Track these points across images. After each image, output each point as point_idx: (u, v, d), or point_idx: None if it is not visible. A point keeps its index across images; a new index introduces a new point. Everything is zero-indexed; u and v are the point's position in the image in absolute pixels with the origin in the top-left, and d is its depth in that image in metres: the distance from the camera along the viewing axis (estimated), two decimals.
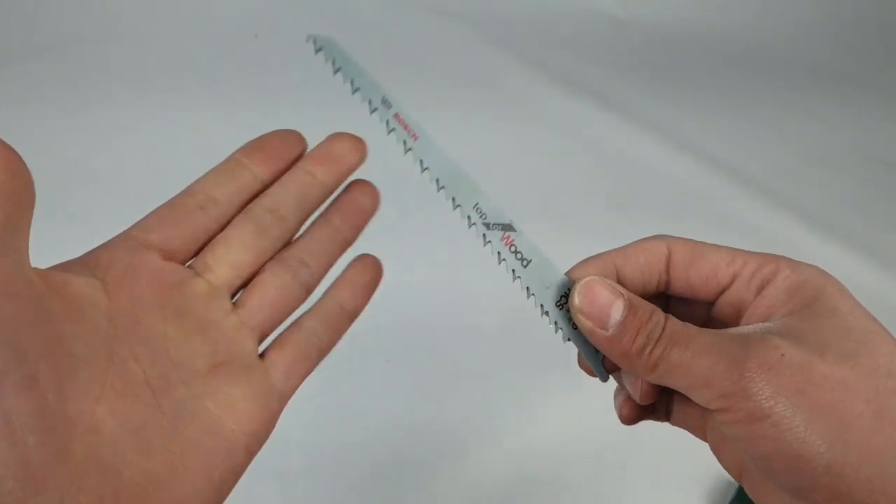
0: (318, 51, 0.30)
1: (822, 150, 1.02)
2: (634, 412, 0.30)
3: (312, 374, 0.31)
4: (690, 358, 0.25)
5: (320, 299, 0.30)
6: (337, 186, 0.31)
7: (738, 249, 0.28)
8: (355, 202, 0.31)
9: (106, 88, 0.93)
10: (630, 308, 0.26)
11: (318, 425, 0.55)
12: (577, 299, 0.27)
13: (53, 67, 0.95)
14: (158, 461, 0.22)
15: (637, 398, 0.29)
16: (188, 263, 0.28)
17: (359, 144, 0.31)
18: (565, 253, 0.89)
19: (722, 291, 0.28)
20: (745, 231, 0.84)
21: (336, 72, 0.30)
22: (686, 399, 0.27)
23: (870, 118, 1.10)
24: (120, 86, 0.94)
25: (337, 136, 0.31)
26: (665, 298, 0.31)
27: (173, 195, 0.29)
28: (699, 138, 0.99)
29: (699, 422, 0.30)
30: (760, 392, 0.23)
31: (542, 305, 0.28)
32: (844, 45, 1.27)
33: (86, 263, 0.26)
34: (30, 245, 0.23)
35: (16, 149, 0.22)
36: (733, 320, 0.28)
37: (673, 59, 1.21)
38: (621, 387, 0.30)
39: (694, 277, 0.28)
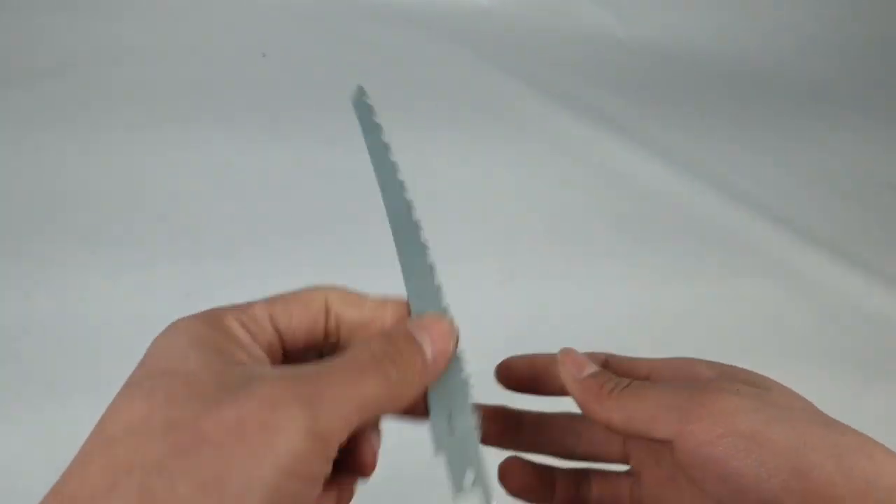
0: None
1: (827, 173, 1.02)
2: None
3: None
4: (654, 388, 0.28)
5: None
6: None
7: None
8: None
9: (113, 108, 0.94)
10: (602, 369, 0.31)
11: None
12: (561, 357, 0.31)
13: (61, 88, 0.96)
14: None
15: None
16: None
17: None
18: (569, 274, 0.89)
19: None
20: (748, 254, 0.84)
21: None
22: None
23: (875, 142, 1.10)
24: (127, 105, 0.95)
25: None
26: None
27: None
28: (703, 160, 0.99)
29: None
30: (723, 406, 0.26)
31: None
32: (850, 69, 1.28)
33: None
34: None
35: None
36: None
37: (677, 81, 1.21)
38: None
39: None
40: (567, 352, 0.31)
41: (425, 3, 1.26)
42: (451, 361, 0.26)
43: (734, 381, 0.28)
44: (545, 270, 0.77)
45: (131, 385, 0.23)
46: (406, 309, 0.26)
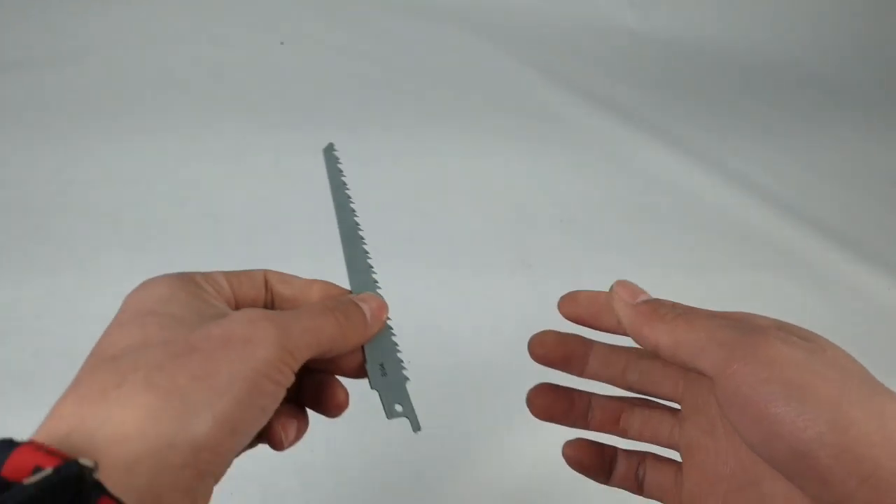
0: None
1: (843, 167, 1.01)
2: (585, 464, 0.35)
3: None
4: (709, 320, 0.28)
5: None
6: None
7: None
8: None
9: (132, 95, 0.95)
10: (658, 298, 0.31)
11: (340, 423, 0.56)
12: (615, 287, 0.32)
13: (81, 74, 0.97)
14: None
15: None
16: None
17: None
18: (582, 264, 0.89)
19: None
20: (763, 247, 0.83)
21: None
22: (657, 464, 0.33)
23: (892, 136, 1.09)
24: (146, 92, 0.96)
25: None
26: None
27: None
28: (717, 153, 0.98)
29: (673, 486, 0.33)
30: (770, 346, 0.26)
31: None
32: (864, 64, 1.26)
33: None
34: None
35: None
36: None
37: (691, 73, 1.20)
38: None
39: None
40: (623, 283, 0.32)
41: None
42: (384, 328, 0.32)
43: (790, 333, 0.27)
44: (558, 261, 0.77)
45: (121, 322, 0.27)
46: (331, 289, 0.33)
